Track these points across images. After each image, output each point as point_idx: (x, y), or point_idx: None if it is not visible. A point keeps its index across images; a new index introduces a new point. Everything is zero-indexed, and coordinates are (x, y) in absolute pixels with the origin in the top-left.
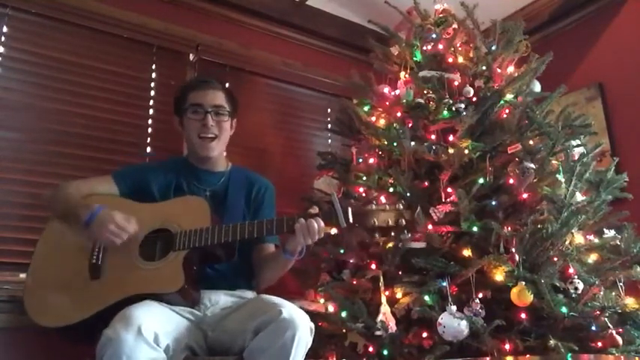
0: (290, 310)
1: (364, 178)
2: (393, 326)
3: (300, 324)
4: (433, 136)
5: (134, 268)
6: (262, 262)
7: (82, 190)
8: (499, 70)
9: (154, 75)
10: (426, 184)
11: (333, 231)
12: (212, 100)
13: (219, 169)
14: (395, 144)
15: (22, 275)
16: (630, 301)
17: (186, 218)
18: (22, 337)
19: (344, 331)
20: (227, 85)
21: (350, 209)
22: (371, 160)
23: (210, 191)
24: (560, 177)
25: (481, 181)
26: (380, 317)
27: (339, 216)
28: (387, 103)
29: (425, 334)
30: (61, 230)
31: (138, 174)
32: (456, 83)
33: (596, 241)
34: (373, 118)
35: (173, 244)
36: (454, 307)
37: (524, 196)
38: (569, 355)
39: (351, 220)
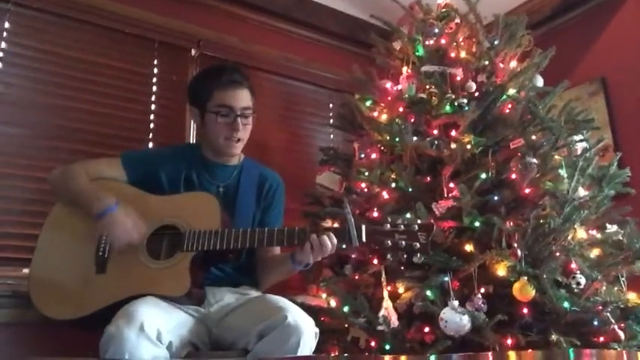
0: (295, 315)
1: (366, 174)
2: (395, 321)
3: (305, 330)
4: (435, 131)
5: (140, 265)
6: (268, 264)
7: (90, 173)
8: (502, 65)
9: (155, 70)
10: (428, 179)
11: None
12: (241, 101)
13: (232, 162)
14: (397, 139)
15: (25, 270)
16: (632, 296)
17: (195, 216)
18: (25, 331)
19: (346, 326)
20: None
21: (364, 228)
22: (373, 156)
23: (222, 187)
24: (563, 172)
25: (483, 176)
26: (382, 312)
27: (352, 235)
28: (390, 98)
29: (427, 329)
30: (67, 214)
31: (148, 162)
32: (459, 78)
33: (599, 236)
34: (375, 113)
35: (181, 244)
36: (456, 302)
37: (527, 191)
38: (572, 349)
39: (364, 240)
